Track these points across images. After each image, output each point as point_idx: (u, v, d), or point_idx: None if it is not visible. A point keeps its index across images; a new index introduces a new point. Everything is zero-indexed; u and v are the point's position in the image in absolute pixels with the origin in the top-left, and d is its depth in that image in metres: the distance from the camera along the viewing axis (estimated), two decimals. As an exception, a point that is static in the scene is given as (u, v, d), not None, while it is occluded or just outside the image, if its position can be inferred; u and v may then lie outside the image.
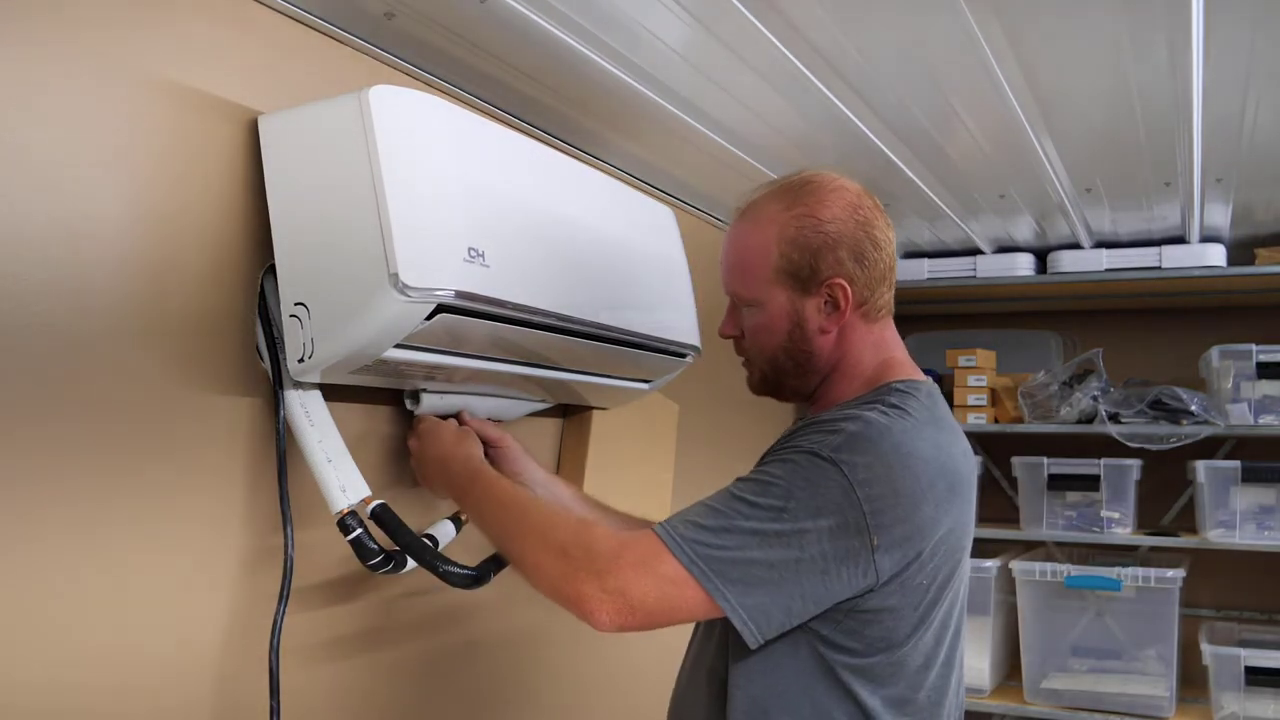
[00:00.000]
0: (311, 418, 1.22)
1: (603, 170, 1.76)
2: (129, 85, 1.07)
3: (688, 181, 2.08)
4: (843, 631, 1.10)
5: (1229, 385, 2.63)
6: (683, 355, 1.61)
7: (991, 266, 2.82)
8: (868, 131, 1.81)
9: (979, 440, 3.04)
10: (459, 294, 1.12)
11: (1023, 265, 2.80)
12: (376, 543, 1.20)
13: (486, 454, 1.43)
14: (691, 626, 1.27)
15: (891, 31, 1.42)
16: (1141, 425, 2.67)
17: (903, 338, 1.28)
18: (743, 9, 1.32)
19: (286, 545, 1.19)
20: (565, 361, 1.43)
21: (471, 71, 1.47)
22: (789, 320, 1.20)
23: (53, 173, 1.00)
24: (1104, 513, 2.74)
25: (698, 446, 2.16)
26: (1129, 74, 1.56)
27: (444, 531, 1.40)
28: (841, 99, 1.66)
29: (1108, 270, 2.71)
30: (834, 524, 1.04)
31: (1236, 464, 2.62)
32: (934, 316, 3.24)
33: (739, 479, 1.11)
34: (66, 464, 1.01)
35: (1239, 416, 2.61)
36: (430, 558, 1.23)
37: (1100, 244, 2.75)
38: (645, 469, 1.91)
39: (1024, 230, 2.64)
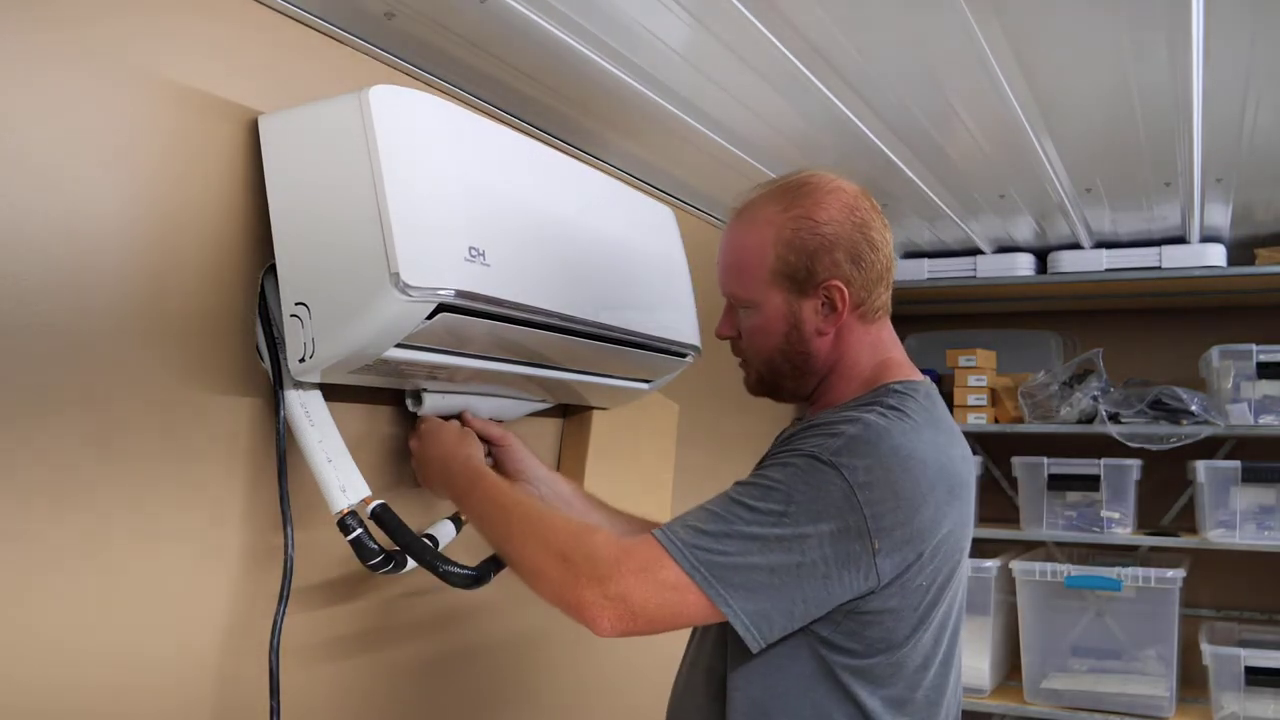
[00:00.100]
0: (312, 418, 1.22)
1: (603, 170, 1.76)
2: (129, 85, 1.07)
3: (688, 181, 2.08)
4: (843, 633, 1.10)
5: (1229, 385, 2.63)
6: (683, 355, 1.61)
7: (991, 266, 2.82)
8: (868, 131, 1.81)
9: (979, 440, 3.04)
10: (460, 293, 1.12)
11: (1023, 265, 2.81)
12: (376, 543, 1.20)
13: (489, 453, 1.44)
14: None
15: (891, 31, 1.42)
16: (1141, 425, 2.67)
17: (903, 338, 1.28)
18: (743, 9, 1.32)
19: (286, 545, 1.19)
20: (565, 361, 1.43)
21: (471, 71, 1.47)
22: (786, 322, 1.20)
23: (53, 173, 1.00)
24: (1104, 513, 2.74)
25: (698, 446, 2.16)
26: (1129, 74, 1.56)
27: (444, 531, 1.40)
28: (841, 99, 1.66)
29: (1108, 270, 2.71)
30: (835, 528, 1.04)
31: (1236, 464, 2.62)
32: (934, 316, 3.24)
33: (738, 483, 1.11)
34: (66, 463, 1.01)
35: (1239, 416, 2.61)
36: (430, 558, 1.23)
37: (1100, 244, 2.75)
38: (645, 469, 1.91)
39: (1024, 230, 2.64)
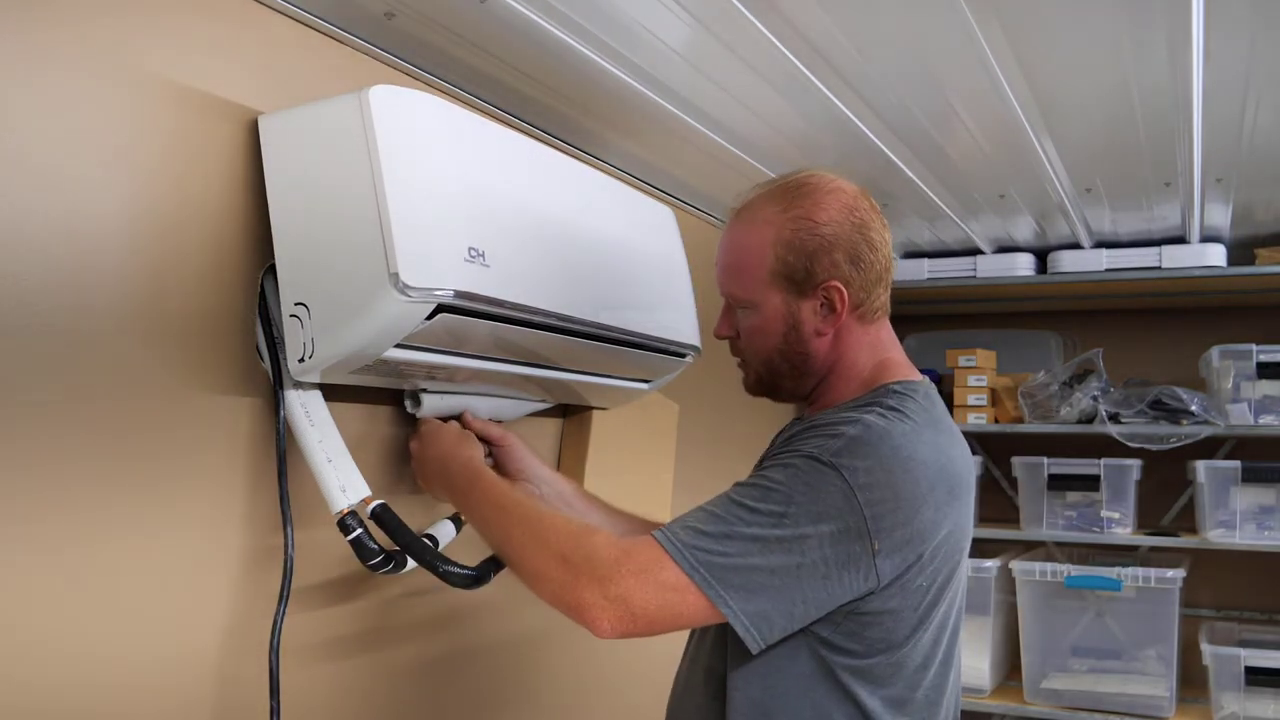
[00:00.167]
0: (311, 418, 1.22)
1: (603, 170, 1.76)
2: (129, 85, 1.07)
3: (687, 181, 2.08)
4: (843, 633, 1.10)
5: (1229, 385, 2.63)
6: (682, 355, 1.61)
7: (991, 266, 2.82)
8: (868, 131, 1.81)
9: (979, 440, 3.04)
10: (459, 294, 1.12)
11: (1023, 265, 2.81)
12: (376, 543, 1.20)
13: (489, 453, 1.44)
14: (690, 627, 1.27)
15: (891, 31, 1.42)
16: (1141, 425, 2.67)
17: (903, 338, 1.27)
18: (743, 9, 1.32)
19: (286, 545, 1.19)
20: (565, 361, 1.43)
21: (471, 71, 1.47)
22: (784, 322, 1.20)
23: (53, 173, 1.00)
24: (1104, 513, 2.74)
25: (698, 446, 2.16)
26: (1129, 74, 1.56)
27: (444, 531, 1.40)
28: (841, 99, 1.66)
29: (1108, 270, 2.71)
30: (835, 529, 1.04)
31: (1236, 464, 2.62)
32: (934, 316, 3.24)
33: (738, 484, 1.11)
34: (66, 463, 1.01)
35: (1239, 416, 2.61)
36: (430, 558, 1.23)
37: (1100, 244, 2.75)
38: (645, 469, 1.91)
39: (1024, 230, 2.64)
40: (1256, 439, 2.78)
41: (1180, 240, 2.65)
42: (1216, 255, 2.62)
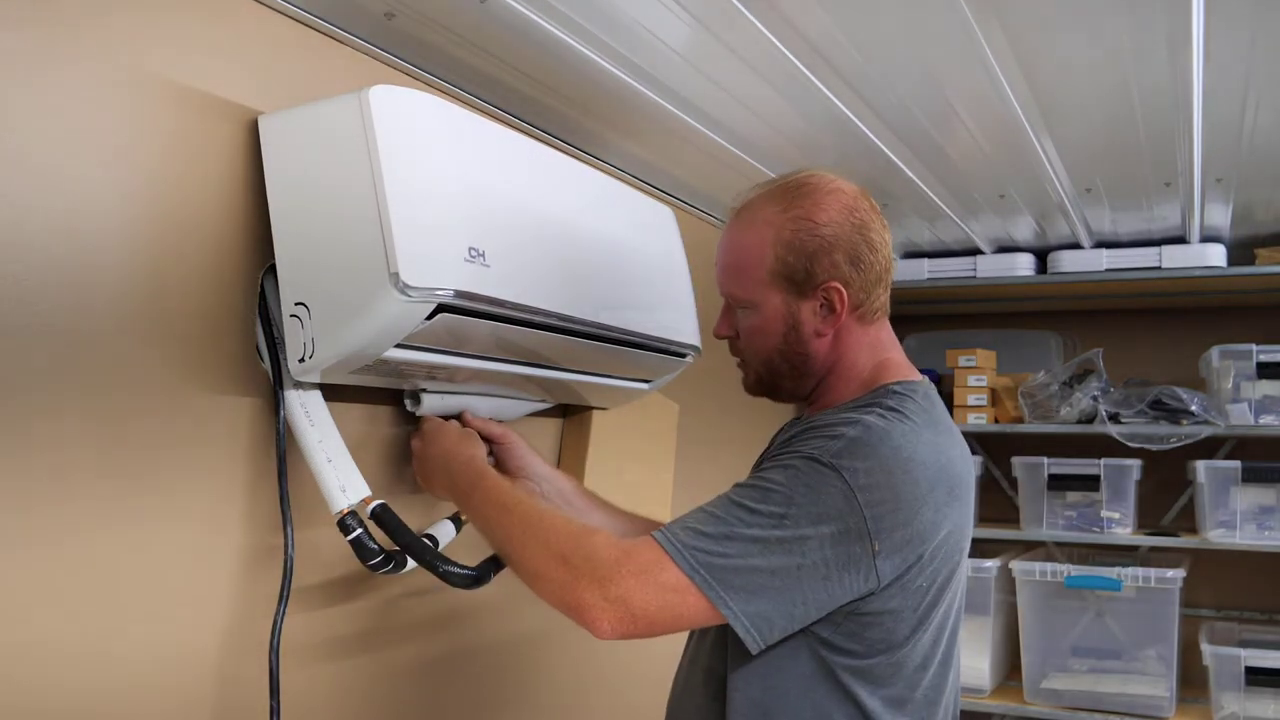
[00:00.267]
0: (311, 418, 1.22)
1: (603, 170, 1.76)
2: (129, 85, 1.07)
3: (688, 181, 2.08)
4: (843, 634, 1.10)
5: (1229, 385, 2.63)
6: (682, 355, 1.61)
7: (991, 266, 2.82)
8: (868, 131, 1.81)
9: (979, 440, 3.04)
10: (459, 293, 1.12)
11: (1023, 265, 2.81)
12: (376, 543, 1.20)
13: (491, 451, 1.44)
14: (690, 627, 1.27)
15: (891, 31, 1.42)
16: (1141, 425, 2.67)
17: (902, 338, 1.28)
18: (743, 9, 1.32)
19: (286, 545, 1.19)
20: (565, 361, 1.43)
21: (471, 71, 1.47)
22: (784, 323, 1.20)
23: (53, 173, 1.00)
24: (1104, 513, 2.74)
25: (698, 446, 2.16)
26: (1129, 74, 1.56)
27: (444, 531, 1.40)
28: (841, 99, 1.66)
29: (1108, 270, 2.71)
30: (835, 530, 1.04)
31: (1236, 464, 2.62)
32: (934, 316, 3.24)
33: (738, 484, 1.11)
34: (67, 463, 1.01)
35: (1239, 416, 2.61)
36: (430, 558, 1.23)
37: (1100, 244, 2.75)
38: (645, 469, 1.91)
39: (1024, 230, 2.64)
40: (1256, 439, 2.78)
41: (1180, 240, 2.65)
42: (1216, 255, 2.62)
